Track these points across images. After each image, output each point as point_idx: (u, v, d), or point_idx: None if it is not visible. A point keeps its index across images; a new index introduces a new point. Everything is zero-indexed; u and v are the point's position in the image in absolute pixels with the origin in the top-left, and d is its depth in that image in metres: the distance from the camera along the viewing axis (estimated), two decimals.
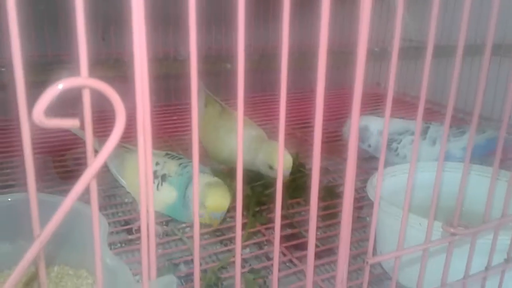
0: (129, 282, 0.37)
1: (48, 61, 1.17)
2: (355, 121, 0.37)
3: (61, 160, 0.98)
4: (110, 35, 1.22)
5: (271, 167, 0.81)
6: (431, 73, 0.40)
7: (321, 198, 0.84)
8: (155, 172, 0.71)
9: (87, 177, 0.27)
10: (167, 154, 0.76)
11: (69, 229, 0.45)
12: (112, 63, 1.12)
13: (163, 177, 0.71)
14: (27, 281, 0.46)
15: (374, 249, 0.60)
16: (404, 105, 1.36)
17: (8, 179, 0.88)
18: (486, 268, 0.49)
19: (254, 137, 0.85)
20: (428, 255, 0.45)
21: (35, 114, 0.25)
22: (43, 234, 0.26)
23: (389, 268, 0.66)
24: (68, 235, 0.44)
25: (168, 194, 0.70)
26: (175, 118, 1.22)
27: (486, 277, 0.50)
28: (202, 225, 0.70)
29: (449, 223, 0.44)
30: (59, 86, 0.25)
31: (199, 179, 0.66)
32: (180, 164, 0.72)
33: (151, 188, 0.31)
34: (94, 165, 0.27)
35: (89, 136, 0.27)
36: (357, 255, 0.73)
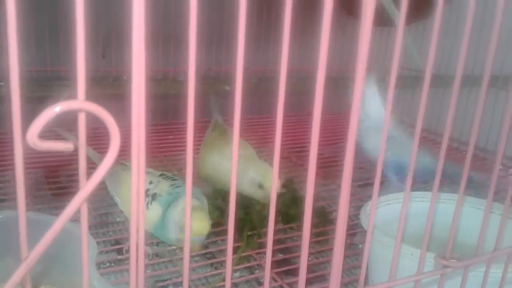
0: None
1: (47, 76, 1.17)
2: (351, 144, 0.37)
3: (55, 176, 0.97)
4: (110, 52, 1.23)
5: (261, 186, 0.81)
6: (428, 102, 0.40)
7: (314, 224, 0.83)
8: (147, 191, 0.71)
9: (78, 201, 0.27)
10: (162, 174, 0.76)
11: (58, 250, 0.45)
12: (111, 81, 1.13)
13: (154, 196, 0.71)
14: None
15: (366, 277, 0.60)
16: None
17: None
18: None
19: (243, 157, 0.84)
20: (420, 287, 0.44)
21: (29, 137, 0.25)
22: (30, 257, 0.26)
23: None
24: (56, 255, 0.44)
25: (155, 213, 0.70)
26: (171, 137, 1.22)
27: None
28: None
29: (442, 255, 0.44)
30: (56, 109, 0.25)
31: (181, 203, 0.67)
32: (172, 184, 0.72)
33: (142, 208, 0.31)
34: (85, 188, 0.27)
35: (82, 159, 0.27)
36: (349, 282, 0.72)
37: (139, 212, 0.30)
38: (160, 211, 0.69)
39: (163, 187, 0.72)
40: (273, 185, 0.35)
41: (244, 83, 0.32)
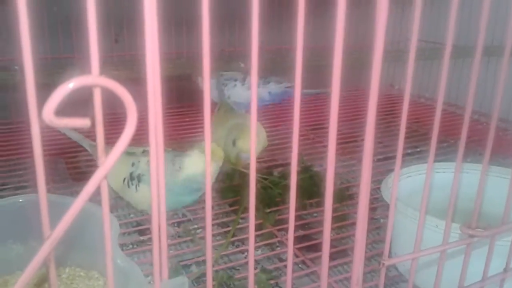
0: (141, 283, 0.37)
1: (60, 63, 1.18)
2: (371, 123, 0.36)
3: (74, 161, 0.98)
4: (123, 37, 1.23)
5: (234, 143, 0.78)
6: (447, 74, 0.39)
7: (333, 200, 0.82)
8: (131, 174, 0.71)
9: (98, 178, 0.26)
10: (144, 151, 0.74)
11: (80, 231, 0.45)
12: (124, 64, 1.13)
13: (139, 178, 0.71)
14: (38, 283, 0.46)
15: (389, 251, 0.59)
16: (419, 107, 1.34)
17: (20, 181, 0.88)
18: (505, 270, 0.48)
19: (235, 125, 0.83)
20: (445, 257, 0.44)
21: (45, 114, 0.24)
22: (53, 235, 0.26)
23: (404, 270, 0.65)
24: (79, 236, 0.44)
25: (147, 193, 0.68)
26: (187, 120, 1.22)
27: (504, 279, 0.48)
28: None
29: (467, 225, 0.43)
30: (70, 85, 0.25)
31: (175, 164, 0.68)
32: (148, 160, 0.71)
33: (162, 189, 0.30)
34: (104, 165, 0.26)
35: (100, 136, 0.27)
36: (371, 256, 0.72)
37: (160, 192, 0.30)
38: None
39: (144, 166, 0.71)
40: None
41: (259, 60, 0.31)
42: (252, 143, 0.33)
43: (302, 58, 0.32)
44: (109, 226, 0.28)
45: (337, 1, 0.31)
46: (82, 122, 0.25)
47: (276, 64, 1.16)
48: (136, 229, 0.77)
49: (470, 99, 0.41)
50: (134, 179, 0.71)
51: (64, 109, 0.25)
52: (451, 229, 0.43)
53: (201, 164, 0.68)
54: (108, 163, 0.26)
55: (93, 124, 0.26)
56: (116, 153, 0.27)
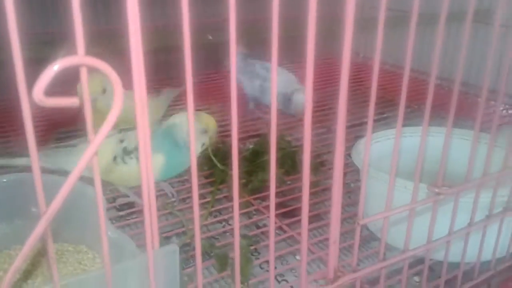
0: (134, 253, 0.38)
1: (49, 39, 1.15)
2: (344, 88, 0.38)
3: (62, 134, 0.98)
4: (98, 11, 1.20)
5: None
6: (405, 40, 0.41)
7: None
8: (125, 149, 0.70)
9: (89, 154, 0.28)
10: (121, 130, 0.73)
11: (67, 207, 0.46)
12: (106, 39, 1.11)
13: (130, 152, 0.70)
14: (31, 257, 0.47)
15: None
16: (384, 74, 1.38)
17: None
18: (469, 224, 0.52)
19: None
20: (414, 215, 0.47)
21: (35, 94, 0.25)
22: (50, 210, 0.27)
23: (375, 230, 0.68)
24: (65, 213, 0.45)
25: (155, 161, 0.68)
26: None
27: (469, 233, 0.52)
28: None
29: (434, 184, 0.46)
30: (57, 65, 0.26)
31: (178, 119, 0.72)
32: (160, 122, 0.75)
33: (150, 161, 0.32)
34: (94, 141, 0.27)
35: (88, 114, 0.28)
36: (344, 219, 0.75)
37: (148, 166, 0.31)
38: (159, 154, 0.69)
39: (131, 139, 0.71)
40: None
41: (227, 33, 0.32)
42: (233, 116, 0.34)
43: (278, 30, 0.33)
44: (101, 199, 0.29)
45: None
46: (71, 101, 0.26)
47: (250, 37, 1.16)
48: (113, 205, 0.78)
49: (435, 66, 0.43)
50: (132, 152, 0.70)
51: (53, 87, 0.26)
52: (419, 189, 0.46)
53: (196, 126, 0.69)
54: (98, 139, 0.27)
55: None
56: (105, 129, 0.28)
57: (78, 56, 0.27)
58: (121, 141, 0.71)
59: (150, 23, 1.24)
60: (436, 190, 0.46)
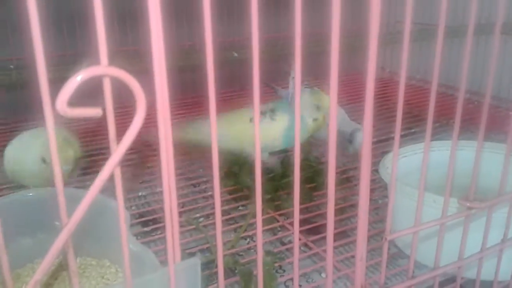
0: (155, 266, 0.38)
1: (66, 60, 1.17)
2: (369, 103, 0.37)
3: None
4: (126, 29, 1.23)
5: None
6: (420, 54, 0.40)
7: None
8: (260, 112, 0.78)
9: (111, 165, 0.27)
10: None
11: (90, 221, 0.46)
12: (130, 58, 1.13)
13: (272, 110, 0.80)
14: (54, 272, 0.47)
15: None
16: (410, 89, 1.36)
17: None
18: (503, 240, 0.50)
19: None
20: (444, 230, 0.45)
21: (59, 104, 0.25)
22: (71, 222, 0.27)
23: (403, 246, 0.67)
24: (88, 227, 0.45)
25: (285, 119, 0.80)
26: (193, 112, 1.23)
27: (502, 249, 0.50)
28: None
29: (465, 198, 0.45)
30: (81, 76, 0.26)
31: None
32: (273, 102, 0.83)
33: (172, 174, 0.31)
34: (117, 152, 0.27)
35: (111, 125, 0.28)
36: (371, 236, 0.73)
37: (170, 177, 0.31)
38: (290, 117, 0.79)
39: (268, 105, 0.81)
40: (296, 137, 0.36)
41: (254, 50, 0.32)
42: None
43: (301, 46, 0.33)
44: (123, 211, 0.29)
45: None
46: (94, 111, 0.26)
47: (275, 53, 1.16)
48: (139, 221, 0.78)
49: (464, 79, 0.42)
50: (266, 113, 0.80)
51: (76, 99, 0.26)
52: (449, 203, 0.44)
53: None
54: (120, 150, 0.27)
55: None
56: (127, 141, 0.27)
57: (102, 66, 0.27)
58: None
59: (177, 43, 1.27)
60: (468, 204, 0.44)
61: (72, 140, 0.81)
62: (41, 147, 0.76)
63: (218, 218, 0.36)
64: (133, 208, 0.82)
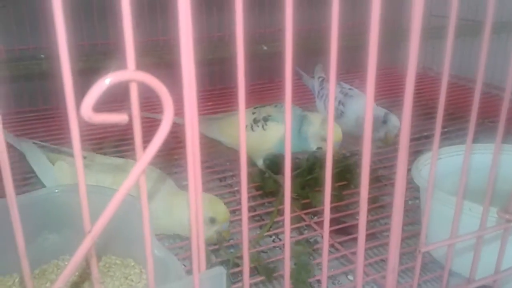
0: (180, 273, 0.37)
1: (97, 50, 1.17)
2: (408, 104, 0.35)
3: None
4: (156, 19, 1.22)
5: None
6: (458, 49, 0.38)
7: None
8: (254, 119, 0.82)
9: (137, 172, 0.26)
10: (254, 108, 0.85)
11: (117, 221, 0.45)
12: (159, 48, 1.13)
13: (265, 118, 0.82)
14: (81, 270, 0.47)
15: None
16: (428, 80, 1.32)
17: None
18: None
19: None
20: (482, 243, 0.43)
21: (83, 110, 0.24)
22: (94, 231, 0.26)
23: (438, 256, 0.64)
24: (114, 225, 0.44)
25: (276, 129, 0.81)
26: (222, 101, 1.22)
27: None
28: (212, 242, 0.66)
29: (505, 209, 0.42)
30: (107, 81, 0.25)
31: (315, 117, 0.82)
32: (276, 105, 0.84)
33: (199, 178, 0.30)
34: (143, 159, 0.26)
35: (137, 131, 0.27)
36: (402, 240, 0.71)
37: (197, 183, 0.30)
38: (281, 127, 0.80)
39: (268, 110, 0.83)
40: (329, 142, 0.34)
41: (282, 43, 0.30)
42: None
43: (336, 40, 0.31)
44: (147, 217, 0.28)
45: None
46: (120, 118, 0.25)
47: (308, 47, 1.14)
48: None
49: (510, 78, 0.39)
50: (259, 121, 0.82)
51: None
52: (487, 213, 0.42)
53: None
54: (146, 157, 0.26)
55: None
56: (153, 149, 0.26)
57: (129, 71, 0.26)
58: (253, 113, 0.84)
59: (207, 34, 1.25)
60: (507, 216, 0.42)
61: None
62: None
63: (245, 217, 0.35)
64: None
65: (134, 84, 0.26)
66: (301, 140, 0.81)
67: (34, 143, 0.75)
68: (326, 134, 0.77)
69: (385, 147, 0.97)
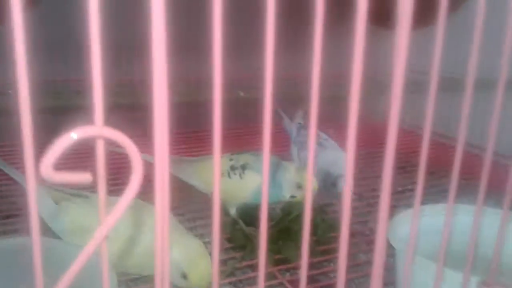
0: None
1: (57, 87, 1.13)
2: (391, 150, 0.34)
3: None
4: (121, 62, 1.20)
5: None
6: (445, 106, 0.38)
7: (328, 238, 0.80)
8: (232, 166, 0.81)
9: (99, 237, 0.24)
10: (231, 154, 0.83)
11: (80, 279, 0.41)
12: (124, 90, 1.10)
13: (243, 166, 0.80)
14: None
15: None
16: (418, 139, 1.32)
17: (9, 209, 0.84)
18: None
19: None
20: None
21: (43, 168, 0.22)
22: None
23: None
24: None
25: (253, 179, 0.79)
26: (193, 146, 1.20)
27: None
28: None
29: (485, 282, 0.41)
30: (71, 137, 0.23)
31: (290, 165, 0.82)
32: (253, 154, 0.83)
33: (166, 241, 0.28)
34: (105, 224, 0.24)
35: (102, 192, 0.24)
36: None
37: (164, 247, 0.27)
38: (260, 177, 0.76)
39: (247, 158, 0.82)
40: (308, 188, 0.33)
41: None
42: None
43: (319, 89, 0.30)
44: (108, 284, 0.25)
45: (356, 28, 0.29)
46: (83, 177, 0.23)
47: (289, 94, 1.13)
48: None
49: (492, 138, 0.39)
50: (237, 168, 0.80)
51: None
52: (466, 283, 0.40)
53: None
54: (109, 222, 0.24)
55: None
56: (119, 211, 0.24)
57: (96, 126, 0.24)
58: (231, 159, 0.82)
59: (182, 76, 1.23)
60: None
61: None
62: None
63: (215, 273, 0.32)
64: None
65: (101, 141, 0.24)
66: (275, 188, 0.79)
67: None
68: (301, 182, 0.79)
69: (358, 201, 0.96)
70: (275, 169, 0.80)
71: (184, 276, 0.54)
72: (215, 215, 0.28)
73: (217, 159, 0.28)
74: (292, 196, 0.80)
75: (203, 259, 0.55)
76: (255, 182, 0.79)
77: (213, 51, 0.26)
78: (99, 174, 0.24)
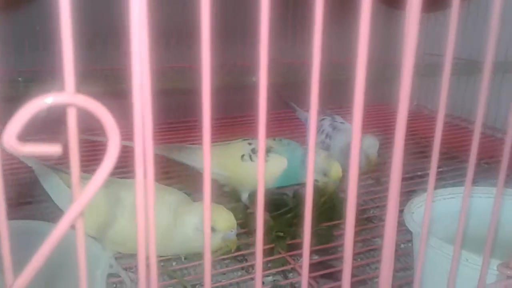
0: None
1: (26, 77, 1.02)
2: (400, 144, 0.31)
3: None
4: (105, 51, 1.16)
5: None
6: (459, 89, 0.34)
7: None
8: (253, 149, 0.79)
9: (72, 215, 0.22)
10: (245, 140, 0.82)
11: (64, 256, 0.39)
12: (101, 77, 1.02)
13: (267, 149, 0.77)
14: None
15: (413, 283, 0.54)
16: (421, 119, 1.28)
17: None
18: None
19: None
20: None
21: (6, 139, 0.20)
22: (16, 286, 0.21)
23: None
24: (61, 262, 0.38)
25: (279, 161, 0.78)
26: (181, 136, 1.14)
27: None
28: (219, 253, 0.64)
29: (506, 264, 0.38)
30: (37, 104, 0.20)
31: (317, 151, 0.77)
32: (274, 139, 0.82)
33: (152, 222, 0.26)
34: (79, 200, 0.22)
35: (74, 166, 0.22)
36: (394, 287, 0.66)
37: (150, 227, 0.25)
38: (285, 159, 0.78)
39: (267, 142, 0.77)
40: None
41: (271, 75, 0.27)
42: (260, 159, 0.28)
43: (319, 73, 0.28)
44: (84, 266, 0.24)
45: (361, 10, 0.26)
46: (52, 149, 0.21)
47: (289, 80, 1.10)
48: None
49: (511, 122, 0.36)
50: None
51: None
52: (486, 265, 0.38)
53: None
54: (84, 198, 0.22)
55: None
56: (94, 186, 0.22)
57: (66, 93, 0.22)
58: (250, 143, 0.81)
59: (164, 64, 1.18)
60: (509, 272, 0.37)
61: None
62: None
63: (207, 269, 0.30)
64: None
65: (73, 109, 0.22)
66: (303, 171, 0.77)
67: (44, 164, 0.67)
68: (328, 168, 0.78)
69: (376, 186, 0.93)
70: (304, 153, 0.79)
71: (213, 230, 0.60)
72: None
73: (207, 146, 0.26)
74: (316, 181, 0.78)
75: (220, 210, 0.62)
76: (282, 164, 0.78)
77: (201, 39, 0.24)
78: (71, 146, 0.22)
